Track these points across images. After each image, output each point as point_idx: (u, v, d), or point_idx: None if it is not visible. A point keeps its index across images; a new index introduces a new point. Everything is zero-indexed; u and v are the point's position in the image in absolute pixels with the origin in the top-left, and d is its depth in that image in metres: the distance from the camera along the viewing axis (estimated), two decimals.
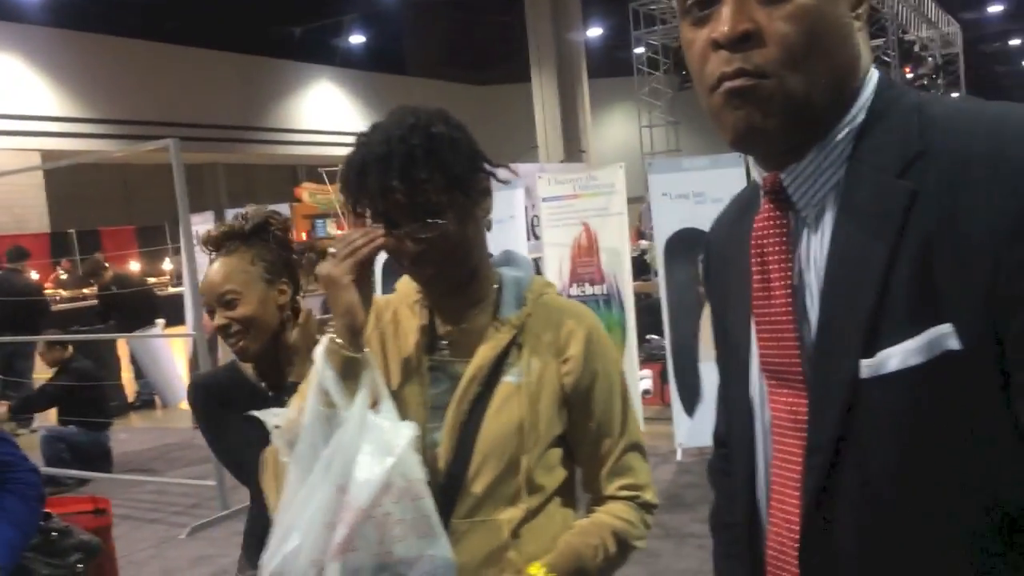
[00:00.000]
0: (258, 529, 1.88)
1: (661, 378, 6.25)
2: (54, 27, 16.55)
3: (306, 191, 12.31)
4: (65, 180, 16.03)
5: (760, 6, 0.79)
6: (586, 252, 5.57)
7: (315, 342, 1.28)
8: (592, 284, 5.58)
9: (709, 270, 1.09)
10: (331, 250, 1.27)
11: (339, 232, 7.10)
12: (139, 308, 8.03)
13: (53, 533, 2.00)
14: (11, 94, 15.90)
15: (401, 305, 1.40)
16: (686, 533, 4.08)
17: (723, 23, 0.80)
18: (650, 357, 6.68)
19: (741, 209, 1.00)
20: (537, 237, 6.30)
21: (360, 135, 1.31)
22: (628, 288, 5.63)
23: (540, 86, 16.08)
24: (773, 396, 0.89)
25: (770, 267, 0.88)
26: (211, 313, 1.76)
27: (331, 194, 8.25)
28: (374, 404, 1.24)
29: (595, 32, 18.39)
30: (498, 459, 1.27)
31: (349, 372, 1.22)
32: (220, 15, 16.26)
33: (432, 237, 1.24)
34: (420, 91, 22.30)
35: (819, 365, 0.83)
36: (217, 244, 1.76)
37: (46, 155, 16.15)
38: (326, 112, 22.15)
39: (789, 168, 0.85)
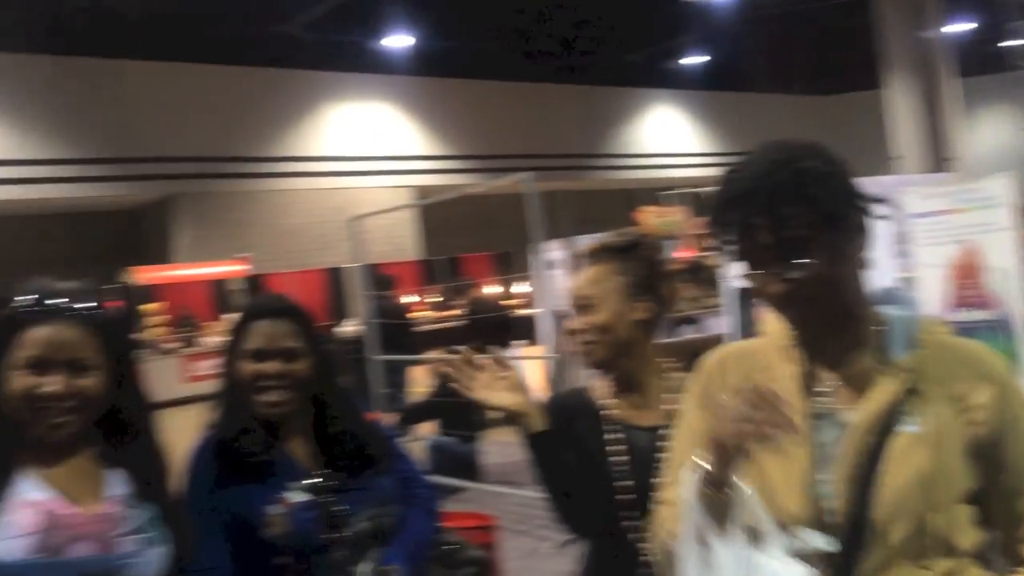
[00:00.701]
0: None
1: None
2: (419, 76, 18.53)
3: (650, 214, 12.44)
4: (434, 212, 17.80)
5: None
6: (969, 273, 5.00)
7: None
8: (978, 309, 4.98)
9: None
10: (738, 406, 1.15)
11: (685, 255, 7.09)
12: (499, 329, 8.64)
13: (448, 546, 2.17)
14: (386, 138, 18.10)
15: (771, 349, 1.33)
16: None
17: None
18: None
19: None
20: (904, 256, 5.78)
21: (729, 169, 1.27)
22: (1021, 312, 4.95)
23: (897, 91, 14.79)
24: None
25: None
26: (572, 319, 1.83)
27: (674, 217, 8.24)
28: (756, 539, 1.17)
29: (962, 27, 16.58)
30: (902, 516, 1.16)
31: (722, 510, 1.17)
32: (563, 50, 17.13)
33: (800, 277, 1.17)
34: (761, 106, 21.69)
35: None
36: (592, 255, 1.84)
37: (418, 191, 18.10)
38: (664, 134, 22.36)
39: None
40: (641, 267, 1.82)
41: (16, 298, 1.54)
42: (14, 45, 13.84)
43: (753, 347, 1.39)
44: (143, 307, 13.68)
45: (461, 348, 2.04)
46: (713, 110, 22.70)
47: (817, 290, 1.19)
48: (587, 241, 2.05)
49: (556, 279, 7.18)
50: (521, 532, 5.41)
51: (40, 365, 1.49)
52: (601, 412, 1.86)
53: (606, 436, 1.83)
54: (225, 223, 16.14)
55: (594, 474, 1.81)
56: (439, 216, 18.28)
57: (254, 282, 15.32)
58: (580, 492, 1.82)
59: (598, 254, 1.85)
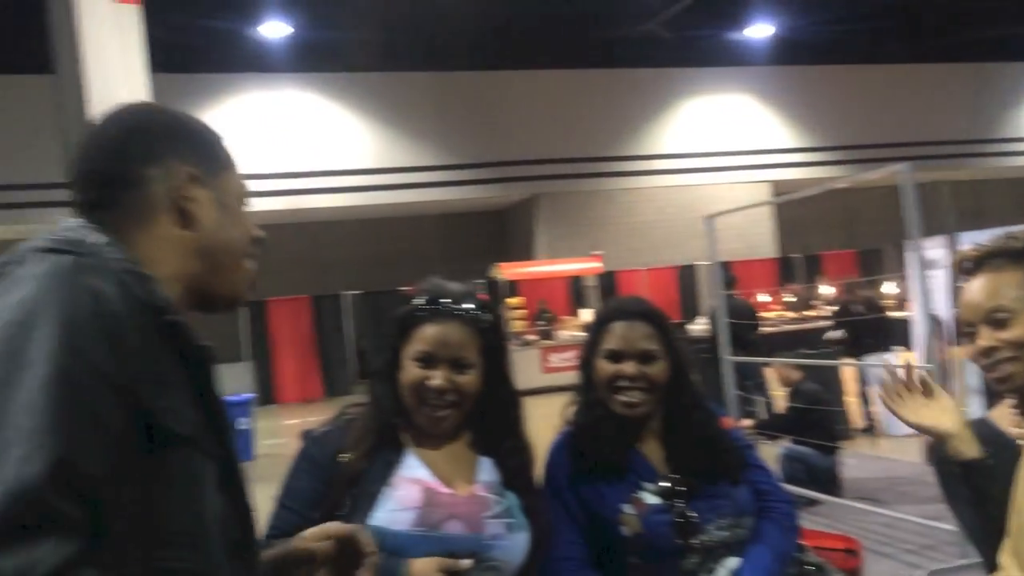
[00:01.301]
0: None
1: None
2: (780, 65, 17.79)
3: None
4: (791, 207, 17.02)
5: None
6: None
7: None
8: None
9: None
10: None
11: None
12: (877, 333, 7.98)
13: (807, 567, 2.00)
14: (744, 131, 17.61)
15: None
16: None
17: None
18: None
19: None
20: None
21: None
22: None
23: None
24: None
25: None
26: (968, 335, 1.56)
27: None
28: None
29: None
30: None
31: None
32: (948, 25, 15.44)
33: None
34: None
35: None
36: (977, 262, 1.57)
37: (775, 185, 17.41)
38: None
39: None
40: None
41: (415, 297, 1.72)
42: (398, 65, 15.65)
43: None
44: (507, 300, 14.67)
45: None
46: None
47: None
48: (977, 239, 1.76)
49: (935, 280, 6.46)
50: (885, 555, 4.97)
51: (428, 360, 1.65)
52: (1018, 444, 1.58)
53: None
54: (581, 221, 16.81)
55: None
56: (797, 212, 17.44)
57: (607, 279, 15.77)
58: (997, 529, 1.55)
59: (991, 260, 1.56)
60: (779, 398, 6.84)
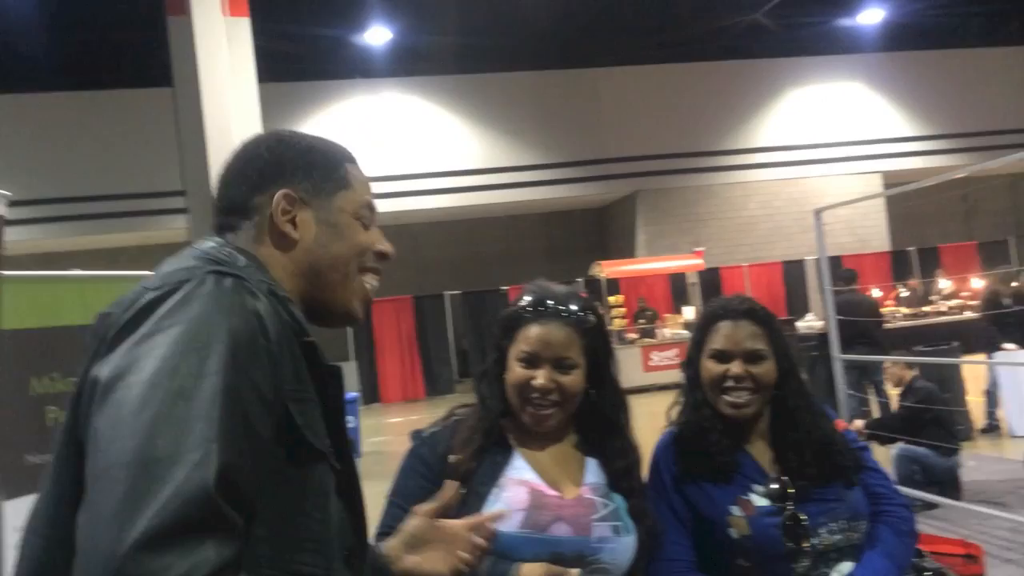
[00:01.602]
0: None
1: None
2: (889, 51, 17.10)
3: None
4: (904, 198, 16.35)
5: None
6: None
7: None
8: None
9: None
10: None
11: None
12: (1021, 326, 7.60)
13: (926, 572, 1.92)
14: (854, 120, 17.00)
15: None
16: None
17: None
18: None
19: None
20: None
21: None
22: None
23: None
24: None
25: None
26: None
27: None
28: None
29: None
30: None
31: None
32: None
33: None
34: None
35: None
36: None
37: (886, 176, 16.75)
38: None
39: None
40: None
41: (519, 299, 1.74)
42: (497, 66, 15.78)
43: None
44: (609, 299, 14.58)
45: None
46: None
47: None
48: None
49: None
50: (1010, 561, 4.71)
51: (532, 360, 1.66)
52: None
53: None
54: (682, 217, 16.58)
55: None
56: (910, 204, 16.72)
57: (710, 275, 15.48)
58: None
59: None
60: (894, 397, 6.57)
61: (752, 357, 1.86)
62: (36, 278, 3.59)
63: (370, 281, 1.24)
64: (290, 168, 1.18)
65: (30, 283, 3.44)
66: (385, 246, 1.26)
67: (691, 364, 1.95)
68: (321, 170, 1.20)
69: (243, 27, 5.33)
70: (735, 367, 1.85)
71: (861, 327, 7.86)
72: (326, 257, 1.17)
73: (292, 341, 1.03)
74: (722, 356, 1.87)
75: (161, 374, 0.90)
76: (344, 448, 1.10)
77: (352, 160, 1.26)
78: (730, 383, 1.86)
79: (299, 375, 1.02)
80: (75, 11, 12.87)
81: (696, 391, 1.93)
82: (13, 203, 4.24)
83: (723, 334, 1.89)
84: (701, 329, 1.95)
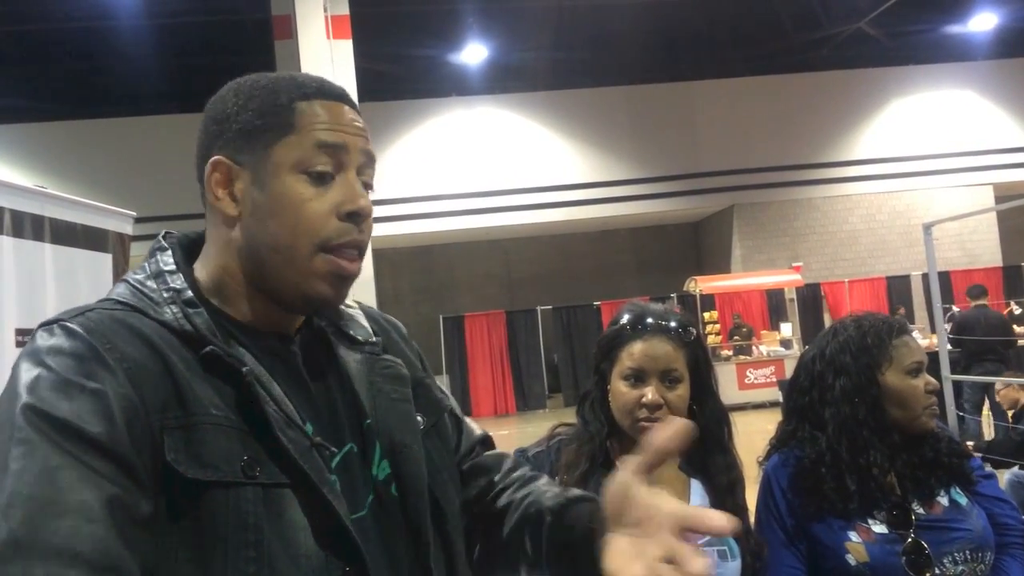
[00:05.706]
0: None
1: None
2: (1002, 58, 16.39)
3: None
4: (1017, 212, 15.60)
5: None
6: None
7: None
8: None
9: None
10: None
11: None
12: None
13: None
14: (963, 130, 16.32)
15: None
16: None
17: None
18: None
19: None
20: None
21: None
22: None
23: None
24: None
25: None
26: None
27: None
28: None
29: None
30: None
31: None
32: None
33: None
34: None
35: None
36: None
37: (997, 188, 16.02)
38: None
39: None
40: None
41: (619, 319, 1.73)
42: (591, 81, 15.81)
43: None
44: (703, 314, 14.36)
45: None
46: None
47: None
48: None
49: None
50: None
51: (638, 376, 1.65)
52: None
53: None
54: (780, 231, 16.21)
55: None
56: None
57: (810, 291, 15.08)
58: None
59: None
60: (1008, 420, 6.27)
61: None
62: None
63: (339, 260, 0.90)
64: (227, 124, 0.91)
65: None
66: (353, 203, 0.90)
67: (808, 389, 1.87)
68: (258, 115, 0.90)
69: (346, 49, 5.52)
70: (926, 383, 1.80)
71: (990, 343, 7.60)
72: (263, 236, 0.89)
73: (184, 358, 0.83)
74: (917, 370, 1.80)
75: None
76: (291, 461, 0.83)
77: (312, 94, 0.92)
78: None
79: (183, 399, 0.80)
80: (191, 39, 13.58)
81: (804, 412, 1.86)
82: (138, 220, 4.51)
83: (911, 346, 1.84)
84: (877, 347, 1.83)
